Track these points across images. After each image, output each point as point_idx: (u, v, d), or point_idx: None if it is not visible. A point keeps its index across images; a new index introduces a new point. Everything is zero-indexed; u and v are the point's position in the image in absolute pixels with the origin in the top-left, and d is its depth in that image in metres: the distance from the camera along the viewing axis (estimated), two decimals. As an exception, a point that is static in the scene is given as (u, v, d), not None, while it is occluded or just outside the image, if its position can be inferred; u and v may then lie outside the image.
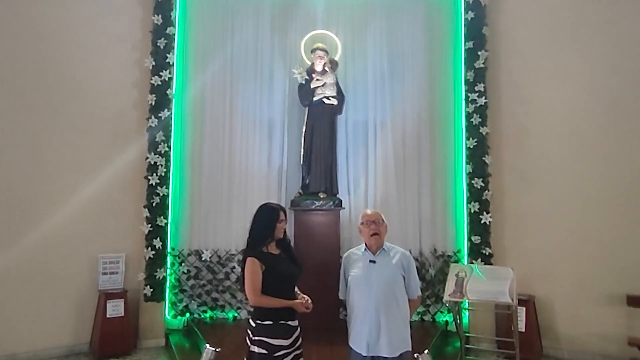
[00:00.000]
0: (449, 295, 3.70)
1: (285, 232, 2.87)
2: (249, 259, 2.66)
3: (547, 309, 4.86)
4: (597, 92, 4.81)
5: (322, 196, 4.99)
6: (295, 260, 2.82)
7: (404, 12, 5.52)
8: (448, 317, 5.14)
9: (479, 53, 5.20)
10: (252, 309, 2.72)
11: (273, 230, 2.77)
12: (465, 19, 5.31)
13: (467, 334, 4.62)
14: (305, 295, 2.76)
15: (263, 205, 2.88)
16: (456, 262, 5.21)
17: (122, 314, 4.67)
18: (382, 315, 2.75)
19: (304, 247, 4.84)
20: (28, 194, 4.58)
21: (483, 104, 5.16)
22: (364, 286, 2.82)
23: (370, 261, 2.85)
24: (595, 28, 4.89)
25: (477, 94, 5.18)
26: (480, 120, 5.15)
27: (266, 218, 2.79)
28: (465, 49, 5.30)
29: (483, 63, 5.20)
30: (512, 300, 3.52)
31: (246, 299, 2.86)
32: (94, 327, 4.71)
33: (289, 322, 2.66)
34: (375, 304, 2.76)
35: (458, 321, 4.04)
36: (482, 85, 5.17)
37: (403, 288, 2.84)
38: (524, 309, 4.65)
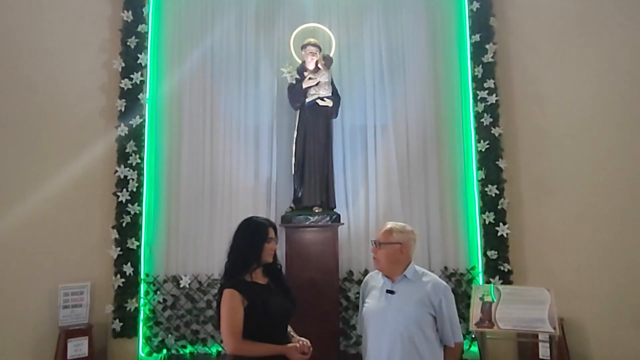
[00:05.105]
0: (475, 324, 3.07)
1: (275, 255, 2.25)
2: (226, 292, 2.03)
3: (577, 332, 4.25)
4: (625, 88, 4.30)
5: (317, 211, 4.38)
6: (287, 291, 2.19)
7: (403, 3, 4.98)
8: (464, 345, 4.50)
9: (487, 46, 4.71)
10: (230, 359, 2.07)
11: (259, 253, 2.16)
12: (471, 10, 4.83)
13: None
14: (302, 338, 2.12)
15: (247, 220, 2.27)
16: (470, 280, 4.63)
17: (86, 354, 3.99)
18: None
19: (297, 270, 4.21)
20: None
21: (494, 102, 4.65)
22: (376, 324, 2.17)
23: (388, 291, 2.21)
24: (618, 16, 4.41)
25: (486, 91, 4.67)
26: (491, 120, 4.64)
27: (251, 237, 2.18)
28: (471, 43, 4.80)
29: (492, 57, 4.70)
30: (555, 329, 2.90)
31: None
32: (53, 371, 4.02)
33: (282, 375, 2.02)
34: (387, 351, 2.11)
35: (483, 353, 3.42)
36: (492, 81, 4.68)
37: (431, 332, 2.15)
38: (551, 332, 4.06)
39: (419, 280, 2.21)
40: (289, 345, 2.05)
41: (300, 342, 2.08)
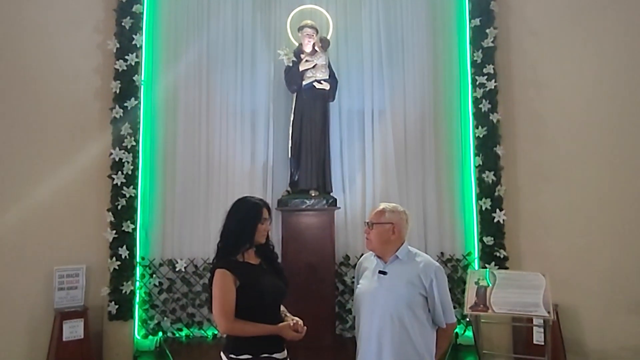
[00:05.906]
0: (470, 307, 3.08)
1: (268, 235, 2.23)
2: (218, 272, 2.02)
3: (571, 319, 4.26)
4: (625, 75, 4.26)
5: (313, 194, 4.37)
6: (280, 272, 2.18)
7: (403, -15, 4.91)
8: (458, 329, 4.52)
9: (487, 31, 4.63)
10: (224, 339, 2.07)
11: (253, 233, 2.14)
12: (471, -7, 4.76)
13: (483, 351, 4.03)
14: (295, 317, 2.11)
15: (240, 200, 2.26)
16: (466, 266, 4.63)
17: (82, 336, 3.99)
18: (385, 347, 2.08)
19: (293, 254, 4.22)
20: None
21: (493, 87, 4.59)
22: (368, 305, 2.16)
23: (380, 272, 2.20)
24: (620, 3, 4.36)
25: (485, 76, 4.61)
26: (490, 106, 4.58)
27: (244, 217, 2.17)
28: (471, 27, 4.72)
29: (492, 42, 4.63)
30: (549, 313, 2.90)
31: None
32: (49, 353, 4.01)
33: (275, 355, 2.02)
34: (377, 331, 2.10)
35: (478, 336, 3.44)
36: (492, 67, 4.61)
37: (422, 313, 2.13)
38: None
39: (411, 261, 2.19)
40: (282, 324, 2.05)
41: (294, 321, 2.08)
